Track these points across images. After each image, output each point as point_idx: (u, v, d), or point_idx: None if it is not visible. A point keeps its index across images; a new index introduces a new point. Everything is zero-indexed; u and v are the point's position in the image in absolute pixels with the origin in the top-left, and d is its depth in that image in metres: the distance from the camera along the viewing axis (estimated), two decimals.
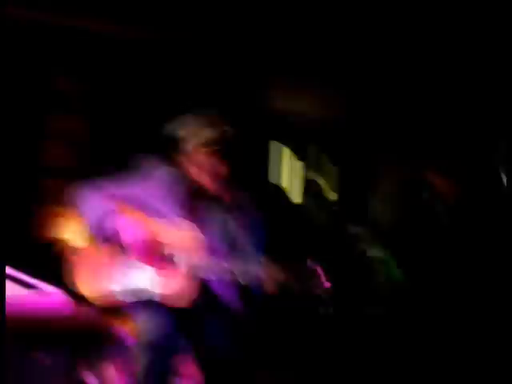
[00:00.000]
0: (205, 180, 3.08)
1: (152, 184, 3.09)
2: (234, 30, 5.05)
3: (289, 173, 6.07)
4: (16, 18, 4.38)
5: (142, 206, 3.06)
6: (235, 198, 3.10)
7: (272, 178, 5.90)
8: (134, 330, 2.95)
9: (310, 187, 4.67)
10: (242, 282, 2.86)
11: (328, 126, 5.96)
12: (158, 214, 3.04)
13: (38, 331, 2.25)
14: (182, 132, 3.09)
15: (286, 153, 6.05)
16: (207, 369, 2.97)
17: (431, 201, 4.38)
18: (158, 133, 3.21)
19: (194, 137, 3.06)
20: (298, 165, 6.06)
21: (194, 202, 3.12)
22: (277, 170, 5.97)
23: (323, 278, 2.77)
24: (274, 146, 5.91)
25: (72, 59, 4.73)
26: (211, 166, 3.06)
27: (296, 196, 5.99)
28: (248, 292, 2.75)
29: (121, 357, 3.02)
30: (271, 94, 5.57)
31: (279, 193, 5.74)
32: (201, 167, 3.08)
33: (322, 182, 6.07)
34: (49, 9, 4.50)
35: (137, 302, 2.98)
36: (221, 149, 3.06)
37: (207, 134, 3.04)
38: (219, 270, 2.90)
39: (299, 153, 6.07)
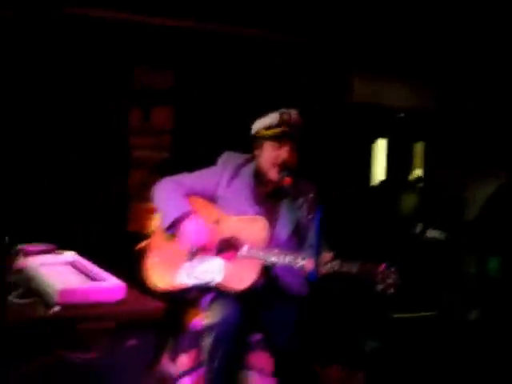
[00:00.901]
0: (270, 170, 3.12)
1: (237, 182, 3.21)
2: (323, 28, 5.03)
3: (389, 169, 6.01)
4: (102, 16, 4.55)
5: (222, 200, 3.19)
6: (303, 190, 3.09)
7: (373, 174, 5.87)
8: (204, 317, 3.00)
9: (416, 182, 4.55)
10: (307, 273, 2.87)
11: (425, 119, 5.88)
12: (237, 208, 3.13)
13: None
14: (255, 126, 3.20)
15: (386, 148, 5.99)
16: (277, 358, 2.95)
17: None
18: (245, 131, 3.29)
19: (261, 128, 3.14)
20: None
21: (267, 197, 3.20)
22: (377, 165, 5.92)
23: (396, 279, 2.73)
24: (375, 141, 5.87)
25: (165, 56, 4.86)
26: (275, 153, 3.10)
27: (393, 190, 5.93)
28: (313, 283, 2.70)
29: (195, 345, 3.06)
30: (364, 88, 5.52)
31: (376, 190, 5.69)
32: (266, 156, 3.13)
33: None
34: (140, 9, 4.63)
35: (205, 289, 3.05)
36: (285, 139, 3.09)
37: (270, 120, 3.11)
38: (284, 258, 2.91)
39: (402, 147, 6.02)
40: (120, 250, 4.23)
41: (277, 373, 2.93)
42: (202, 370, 2.98)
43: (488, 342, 4.27)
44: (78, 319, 2.21)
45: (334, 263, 2.80)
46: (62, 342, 2.34)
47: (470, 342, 4.63)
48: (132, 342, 3.44)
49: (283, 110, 3.13)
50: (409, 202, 6.07)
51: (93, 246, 3.25)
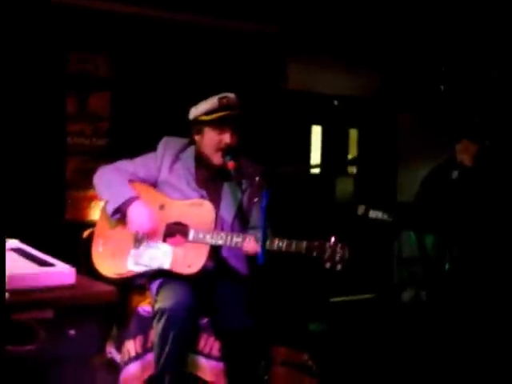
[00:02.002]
0: (213, 155, 3.13)
1: (179, 166, 3.21)
2: (258, 13, 5.05)
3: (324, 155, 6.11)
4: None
5: (164, 185, 3.20)
6: (248, 173, 3.12)
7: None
8: (154, 302, 2.99)
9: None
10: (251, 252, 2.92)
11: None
12: (180, 192, 3.15)
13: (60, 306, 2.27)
14: (193, 112, 3.20)
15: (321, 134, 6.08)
16: (224, 340, 2.97)
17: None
18: (182, 116, 3.28)
19: (200, 113, 3.16)
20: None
21: (210, 179, 3.22)
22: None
23: (344, 254, 2.77)
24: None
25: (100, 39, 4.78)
26: (217, 138, 3.12)
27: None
28: (260, 264, 2.73)
29: (141, 331, 3.04)
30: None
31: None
32: (208, 141, 3.15)
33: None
34: None
35: (153, 275, 3.05)
36: (226, 123, 3.13)
37: (209, 105, 3.12)
38: (231, 241, 2.94)
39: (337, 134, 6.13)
40: (58, 239, 4.16)
41: (224, 356, 2.95)
42: (149, 356, 2.97)
43: (424, 321, 4.40)
44: (23, 306, 2.16)
45: (282, 243, 2.84)
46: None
47: (406, 322, 4.77)
48: (75, 330, 3.40)
49: (221, 95, 3.14)
50: (344, 185, 6.20)
51: (31, 235, 3.16)
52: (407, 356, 4.19)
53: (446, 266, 4.19)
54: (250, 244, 2.92)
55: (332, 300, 5.79)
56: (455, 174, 4.37)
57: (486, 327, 4.06)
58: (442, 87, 5.71)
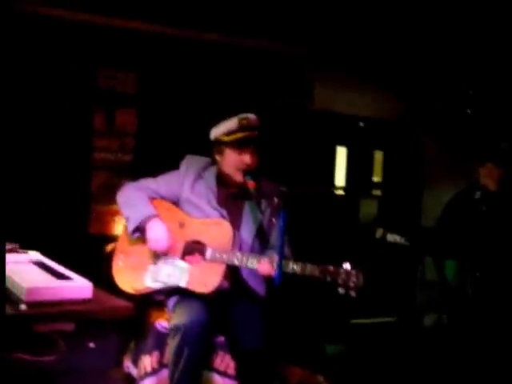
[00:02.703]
0: (234, 173, 3.18)
1: (201, 185, 3.24)
2: (285, 34, 5.08)
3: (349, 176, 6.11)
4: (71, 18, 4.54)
5: (186, 203, 3.23)
6: (267, 193, 3.13)
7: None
8: (170, 319, 3.02)
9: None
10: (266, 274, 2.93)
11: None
12: (201, 211, 3.18)
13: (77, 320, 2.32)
14: (214, 132, 3.24)
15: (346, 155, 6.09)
16: (240, 359, 2.98)
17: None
18: (207, 134, 3.32)
19: (221, 134, 3.19)
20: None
21: (231, 198, 3.24)
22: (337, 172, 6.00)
23: (359, 281, 2.78)
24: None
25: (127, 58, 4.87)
26: (237, 159, 3.15)
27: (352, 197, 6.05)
28: (277, 285, 2.74)
29: (158, 347, 3.07)
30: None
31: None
32: (229, 162, 3.18)
33: None
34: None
35: (170, 292, 3.09)
36: (246, 144, 3.15)
37: (229, 126, 3.15)
38: (246, 261, 2.96)
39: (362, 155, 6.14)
40: (81, 252, 4.22)
41: (239, 375, 2.96)
42: (164, 372, 2.99)
43: (447, 345, 4.36)
44: (41, 318, 2.20)
45: (296, 266, 2.85)
46: (22, 343, 2.34)
47: (428, 346, 4.73)
48: (93, 343, 3.46)
49: (241, 116, 3.18)
50: (368, 208, 6.18)
51: (54, 248, 3.22)
52: (427, 382, 4.16)
53: (469, 291, 4.15)
54: (264, 266, 2.92)
55: (352, 322, 5.76)
56: (478, 194, 4.34)
57: (509, 352, 4.01)
58: (469, 111, 5.68)
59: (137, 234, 3.13)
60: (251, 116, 3.19)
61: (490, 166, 4.33)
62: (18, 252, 2.81)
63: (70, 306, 2.23)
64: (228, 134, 3.17)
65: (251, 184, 3.09)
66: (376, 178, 6.39)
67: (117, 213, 4.58)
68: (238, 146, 3.16)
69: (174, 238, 3.12)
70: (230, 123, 3.18)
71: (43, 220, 4.44)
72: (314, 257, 2.93)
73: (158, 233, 3.07)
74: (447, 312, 4.48)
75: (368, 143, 6.24)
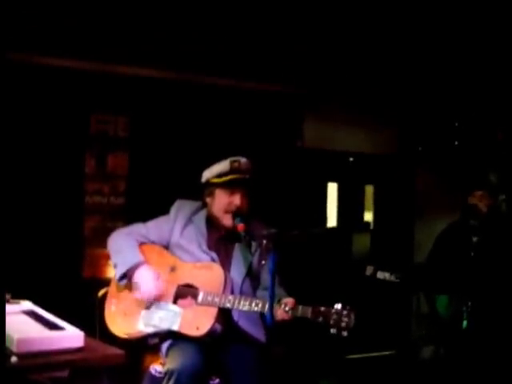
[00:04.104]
0: (223, 217, 3.20)
1: (191, 229, 3.27)
2: (273, 73, 5.16)
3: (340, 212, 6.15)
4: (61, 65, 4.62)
5: (176, 248, 3.26)
6: (257, 235, 3.15)
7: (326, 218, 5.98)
8: (164, 363, 3.02)
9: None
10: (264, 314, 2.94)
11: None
12: (191, 255, 3.21)
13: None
14: (206, 174, 3.27)
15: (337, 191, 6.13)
16: None
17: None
18: (196, 178, 3.37)
19: (212, 176, 3.23)
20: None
21: (221, 241, 3.28)
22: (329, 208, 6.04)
23: (350, 321, 2.79)
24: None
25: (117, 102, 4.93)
26: (227, 201, 3.19)
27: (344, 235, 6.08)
28: (269, 326, 2.76)
29: None
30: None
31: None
32: (219, 203, 3.22)
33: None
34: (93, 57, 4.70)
35: (164, 336, 3.09)
36: (237, 186, 3.19)
37: (220, 168, 3.19)
38: (238, 304, 2.98)
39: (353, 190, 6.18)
40: (75, 297, 4.22)
41: None
42: None
43: (443, 378, 4.35)
44: (33, 369, 2.21)
45: (287, 308, 2.87)
46: None
47: (426, 379, 4.71)
48: None
49: (233, 158, 3.22)
50: (361, 242, 6.21)
51: (47, 294, 3.24)
52: None
53: (464, 324, 4.15)
54: (278, 311, 2.88)
55: (347, 357, 5.74)
56: (472, 222, 4.37)
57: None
58: (456, 142, 5.75)
59: (124, 281, 3.15)
60: (243, 159, 3.23)
61: (479, 194, 4.37)
62: (9, 302, 2.82)
63: (62, 355, 2.24)
64: (219, 176, 3.21)
65: (240, 226, 3.12)
66: (368, 213, 6.43)
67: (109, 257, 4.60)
68: (229, 187, 3.20)
69: (165, 283, 3.13)
70: (222, 165, 3.22)
71: (36, 266, 4.44)
72: (307, 296, 2.95)
73: (145, 280, 3.08)
74: (444, 344, 4.48)
75: (358, 178, 6.28)
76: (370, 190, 6.40)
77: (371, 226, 6.37)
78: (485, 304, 4.14)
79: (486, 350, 4.09)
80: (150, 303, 3.12)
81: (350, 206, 6.24)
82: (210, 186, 3.27)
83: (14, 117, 4.46)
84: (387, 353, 5.99)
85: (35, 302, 2.88)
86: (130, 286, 3.16)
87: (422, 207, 6.28)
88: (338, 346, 5.33)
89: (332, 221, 6.12)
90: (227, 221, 3.20)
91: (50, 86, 4.64)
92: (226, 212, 3.20)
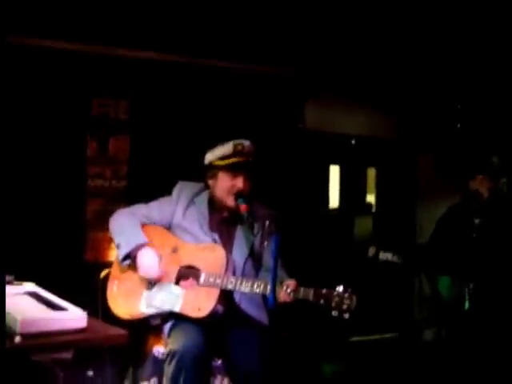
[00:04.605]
0: (226, 198, 3.20)
1: (193, 210, 3.28)
2: (274, 56, 5.14)
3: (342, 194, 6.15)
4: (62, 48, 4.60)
5: (178, 229, 3.27)
6: (259, 216, 3.16)
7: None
8: (166, 344, 3.03)
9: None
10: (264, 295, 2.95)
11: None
12: (193, 236, 3.22)
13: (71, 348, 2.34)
14: (209, 157, 3.27)
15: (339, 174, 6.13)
16: (238, 382, 2.97)
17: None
18: (200, 160, 3.36)
19: (215, 158, 3.23)
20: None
21: (223, 222, 3.28)
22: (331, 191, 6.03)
23: (352, 303, 2.79)
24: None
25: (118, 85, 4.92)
26: (230, 183, 3.18)
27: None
28: (271, 308, 2.76)
29: (156, 373, 3.08)
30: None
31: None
32: (221, 186, 3.21)
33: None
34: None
35: (166, 317, 3.10)
36: (240, 169, 3.19)
37: (224, 150, 3.19)
38: (240, 285, 2.98)
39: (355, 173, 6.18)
40: (78, 280, 4.23)
41: None
42: None
43: (445, 361, 4.37)
44: (37, 349, 2.22)
45: (288, 290, 2.87)
46: (20, 375, 2.35)
47: (428, 361, 4.73)
48: (92, 371, 3.46)
49: (237, 141, 3.21)
50: (364, 225, 6.21)
51: (50, 277, 3.25)
52: None
53: (466, 305, 4.16)
54: (280, 293, 2.88)
55: (351, 340, 5.77)
56: (472, 206, 4.36)
57: (509, 365, 4.02)
58: (459, 125, 5.74)
59: (127, 262, 3.16)
60: (246, 142, 3.22)
61: (480, 178, 4.37)
62: (12, 284, 2.83)
63: (65, 336, 2.25)
64: (222, 158, 3.21)
65: (243, 207, 3.12)
66: (370, 195, 6.43)
67: (111, 240, 4.61)
68: (232, 170, 3.20)
69: (167, 264, 3.14)
70: (225, 148, 3.21)
71: (39, 249, 4.45)
72: (309, 278, 2.96)
73: (149, 261, 3.09)
74: (446, 326, 4.49)
75: (360, 160, 6.28)
76: (371, 172, 6.39)
77: (373, 209, 6.36)
78: (487, 286, 4.14)
79: (488, 332, 4.10)
80: (152, 284, 3.13)
81: (351, 189, 6.23)
82: (213, 169, 3.27)
83: (14, 101, 4.45)
84: (390, 335, 6.01)
85: (38, 285, 2.89)
86: (133, 267, 3.16)
87: (423, 189, 6.28)
88: (341, 329, 5.35)
89: (334, 203, 6.11)
90: (230, 201, 3.20)
91: (50, 69, 4.62)
92: (229, 194, 3.20)
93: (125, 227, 3.21)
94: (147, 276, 3.10)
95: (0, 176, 4.10)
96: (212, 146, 3.31)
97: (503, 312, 4.11)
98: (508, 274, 4.13)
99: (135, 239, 3.13)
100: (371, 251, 4.05)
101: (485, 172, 4.36)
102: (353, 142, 6.14)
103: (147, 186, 4.68)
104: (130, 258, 3.13)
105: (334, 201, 6.13)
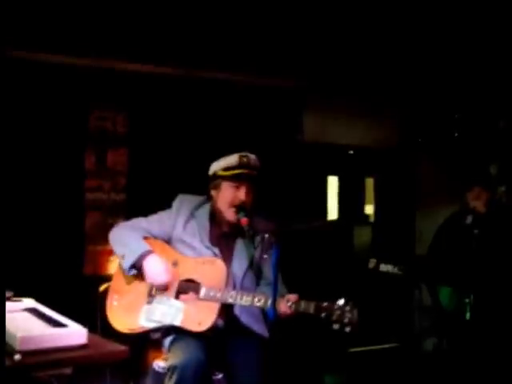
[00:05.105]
0: (227, 211, 3.20)
1: (193, 224, 3.28)
2: (273, 68, 5.15)
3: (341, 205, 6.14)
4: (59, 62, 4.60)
5: (178, 242, 3.26)
6: (259, 229, 3.14)
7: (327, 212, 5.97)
8: (166, 358, 3.02)
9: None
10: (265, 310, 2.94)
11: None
12: (193, 250, 3.21)
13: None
14: (214, 167, 3.27)
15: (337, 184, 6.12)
16: None
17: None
18: (199, 172, 3.38)
19: (220, 168, 3.22)
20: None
21: (223, 236, 3.28)
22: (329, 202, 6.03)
23: (353, 317, 2.78)
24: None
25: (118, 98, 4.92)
26: (233, 194, 3.18)
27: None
28: (271, 321, 2.76)
29: None
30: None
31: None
32: (224, 196, 3.22)
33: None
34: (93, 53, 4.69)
35: (166, 331, 3.09)
36: (243, 180, 3.19)
37: (229, 161, 3.19)
38: (241, 299, 2.97)
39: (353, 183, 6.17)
40: (77, 294, 4.22)
41: None
42: None
43: (446, 371, 4.35)
44: (37, 367, 2.19)
45: (289, 303, 2.86)
46: None
47: (429, 372, 4.71)
48: None
49: (243, 153, 3.22)
50: (363, 235, 6.20)
51: (50, 292, 3.24)
52: None
53: (467, 315, 4.14)
54: (281, 306, 2.88)
55: (351, 350, 5.74)
56: (469, 219, 4.35)
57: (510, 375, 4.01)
58: (456, 134, 5.74)
59: (133, 272, 3.15)
60: (251, 155, 3.24)
61: (477, 190, 4.37)
62: (11, 300, 2.81)
63: (66, 352, 2.23)
64: (227, 169, 3.21)
65: (244, 221, 3.11)
66: (368, 206, 6.42)
67: (111, 253, 4.58)
68: (235, 180, 3.19)
69: (170, 273, 3.14)
70: (231, 159, 3.21)
71: (37, 264, 4.44)
72: (309, 290, 2.95)
73: (156, 267, 3.10)
74: (447, 336, 4.47)
75: (359, 171, 6.28)
76: (370, 182, 6.39)
77: (371, 219, 6.36)
78: (487, 296, 4.13)
79: (490, 342, 4.09)
80: (152, 298, 3.12)
81: (350, 199, 6.23)
82: (217, 179, 3.26)
83: (12, 114, 4.44)
84: (390, 345, 5.99)
85: (37, 300, 2.88)
86: (134, 280, 3.17)
87: (422, 199, 6.27)
88: (341, 340, 5.33)
89: (333, 214, 6.11)
90: (230, 215, 3.20)
91: (47, 82, 4.62)
92: (231, 206, 3.19)
93: (128, 238, 3.21)
94: (155, 282, 3.10)
95: None
96: (210, 158, 3.31)
97: (504, 322, 4.10)
98: (508, 284, 4.12)
99: (140, 248, 3.14)
100: (372, 263, 4.05)
101: (482, 184, 4.36)
102: (351, 152, 6.14)
103: (146, 199, 4.67)
104: (136, 267, 3.12)
105: (332, 212, 6.12)
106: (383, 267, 4.01)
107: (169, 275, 3.11)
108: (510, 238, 4.26)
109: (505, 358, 4.03)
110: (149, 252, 3.14)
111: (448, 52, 5.12)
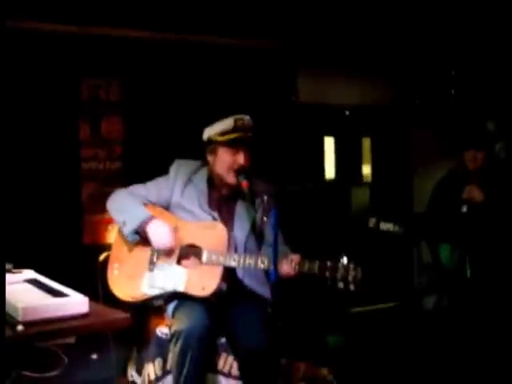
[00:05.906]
0: (227, 175, 3.16)
1: (191, 188, 3.23)
2: (266, 29, 5.08)
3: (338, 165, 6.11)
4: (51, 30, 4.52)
5: (177, 208, 3.22)
6: (259, 191, 3.12)
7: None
8: (170, 324, 3.01)
9: None
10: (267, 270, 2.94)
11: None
12: (192, 215, 3.17)
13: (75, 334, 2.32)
14: (208, 132, 3.22)
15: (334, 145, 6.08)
16: (243, 359, 2.96)
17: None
18: (195, 137, 3.31)
19: (215, 133, 3.17)
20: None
21: (222, 200, 3.24)
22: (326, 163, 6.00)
23: (357, 275, 2.77)
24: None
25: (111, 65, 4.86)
26: (231, 159, 3.14)
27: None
28: (273, 282, 2.74)
29: (160, 354, 3.07)
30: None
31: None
32: (222, 162, 3.17)
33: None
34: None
35: (169, 297, 3.08)
36: (240, 144, 3.14)
37: (224, 126, 3.13)
38: (244, 262, 2.96)
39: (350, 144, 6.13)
40: (77, 264, 4.21)
41: (243, 375, 2.96)
42: (169, 379, 2.99)
43: (447, 329, 4.38)
44: (40, 337, 2.19)
45: (293, 264, 2.85)
46: (24, 361, 2.33)
47: (430, 329, 4.74)
48: (96, 354, 3.45)
49: (237, 116, 3.16)
50: (360, 195, 6.19)
51: (49, 262, 3.23)
52: (431, 366, 4.16)
53: (468, 273, 4.15)
54: (283, 267, 2.89)
55: (352, 311, 5.78)
56: (464, 208, 4.33)
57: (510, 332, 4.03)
58: (453, 91, 5.70)
59: (135, 237, 3.12)
60: (246, 117, 3.18)
61: (472, 152, 4.34)
62: (12, 272, 2.80)
63: (68, 322, 2.22)
64: (222, 134, 3.15)
65: (244, 184, 3.07)
66: (366, 165, 6.39)
67: (110, 221, 4.56)
68: (232, 145, 3.14)
69: (174, 237, 3.11)
70: (225, 123, 3.16)
71: (36, 235, 4.42)
72: (310, 251, 2.94)
73: (161, 231, 3.07)
74: (447, 293, 4.49)
75: (355, 131, 6.24)
76: (367, 142, 6.35)
77: (369, 179, 6.34)
78: (486, 253, 4.13)
79: (490, 299, 4.10)
80: (154, 265, 3.09)
81: (347, 160, 6.20)
82: (213, 144, 3.21)
83: (3, 85, 4.38)
84: (391, 304, 6.02)
85: (37, 271, 2.86)
86: (136, 247, 3.14)
87: (419, 157, 6.25)
88: (342, 300, 5.35)
89: (330, 175, 6.08)
90: (231, 178, 3.15)
91: (38, 51, 4.56)
92: (230, 170, 3.15)
93: (127, 205, 3.17)
94: (161, 247, 3.07)
95: None
96: (206, 122, 3.26)
97: (503, 279, 4.10)
98: (506, 241, 4.12)
99: (141, 213, 3.10)
100: (371, 222, 4.04)
101: (477, 144, 4.34)
102: (347, 112, 6.09)
103: (143, 167, 4.65)
104: (139, 232, 3.09)
105: (329, 172, 6.09)
106: (383, 226, 4.01)
107: (173, 239, 3.08)
108: (510, 194, 4.25)
109: (505, 315, 4.04)
110: (151, 217, 3.10)
111: (443, 8, 5.05)
